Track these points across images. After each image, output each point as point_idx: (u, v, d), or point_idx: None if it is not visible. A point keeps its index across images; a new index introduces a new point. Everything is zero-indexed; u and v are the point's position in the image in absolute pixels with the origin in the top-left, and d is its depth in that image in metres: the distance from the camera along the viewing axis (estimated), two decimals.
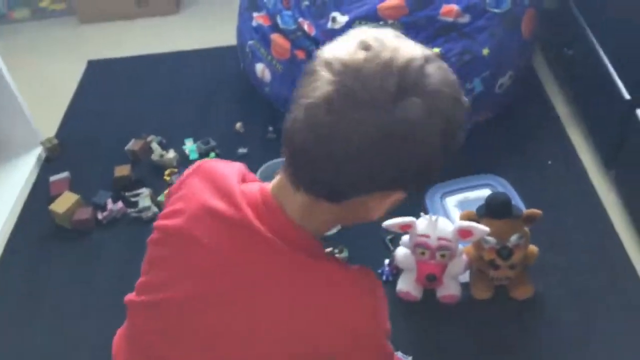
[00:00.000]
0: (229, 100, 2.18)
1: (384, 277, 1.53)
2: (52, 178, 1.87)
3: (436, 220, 1.32)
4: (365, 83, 0.63)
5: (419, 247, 1.34)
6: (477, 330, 1.41)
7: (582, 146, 1.84)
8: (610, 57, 1.61)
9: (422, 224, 1.33)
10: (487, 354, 1.36)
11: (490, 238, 1.32)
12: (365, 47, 0.66)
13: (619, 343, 1.35)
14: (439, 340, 1.40)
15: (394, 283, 1.50)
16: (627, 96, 1.51)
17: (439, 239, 1.31)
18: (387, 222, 1.30)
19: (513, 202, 1.36)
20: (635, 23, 1.50)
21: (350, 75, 0.64)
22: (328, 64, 0.66)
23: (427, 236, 1.32)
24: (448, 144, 0.68)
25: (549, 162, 1.81)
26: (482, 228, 1.27)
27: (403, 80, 0.64)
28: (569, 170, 1.78)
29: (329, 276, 0.74)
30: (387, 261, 1.57)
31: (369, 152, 0.64)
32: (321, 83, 0.65)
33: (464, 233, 1.30)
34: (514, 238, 1.31)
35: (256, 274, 0.74)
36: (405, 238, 1.42)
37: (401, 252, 1.44)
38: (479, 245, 1.36)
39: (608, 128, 1.64)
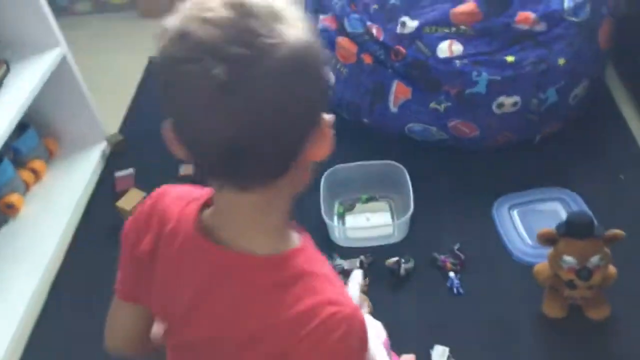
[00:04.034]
0: None
1: (455, 291, 1.51)
2: (118, 174, 1.89)
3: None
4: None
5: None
6: (551, 350, 1.38)
7: None
8: None
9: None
10: None
11: (569, 258, 1.28)
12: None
13: None
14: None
15: (465, 296, 1.49)
16: None
17: None
18: None
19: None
20: None
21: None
22: None
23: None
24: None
25: (621, 177, 1.75)
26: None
27: None
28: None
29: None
30: (452, 274, 1.55)
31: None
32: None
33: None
34: (595, 259, 1.27)
35: None
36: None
37: None
38: (555, 263, 1.33)
39: None
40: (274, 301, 0.63)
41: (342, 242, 1.68)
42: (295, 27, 0.58)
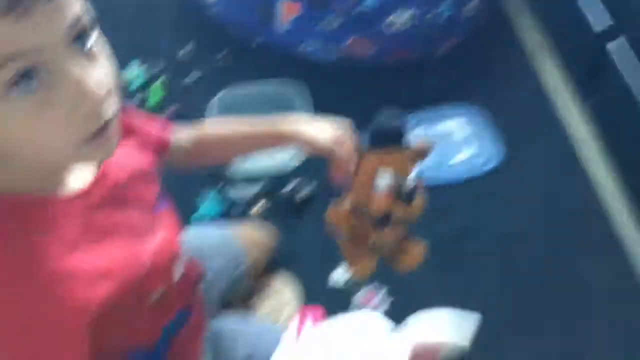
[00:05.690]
0: (170, 20, 1.97)
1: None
2: None
3: None
4: None
5: None
6: None
7: (551, 75, 1.68)
8: None
9: None
10: None
11: (384, 178, 0.91)
12: None
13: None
14: None
15: None
16: (597, 29, 1.29)
17: None
18: None
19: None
20: None
21: None
22: None
23: None
24: None
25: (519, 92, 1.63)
26: None
27: None
28: (538, 99, 1.65)
29: None
30: None
31: None
32: None
33: None
34: (413, 175, 0.92)
35: None
36: None
37: None
38: (365, 193, 0.93)
39: (578, 59, 1.46)
40: None
41: (236, 173, 1.56)
42: None
